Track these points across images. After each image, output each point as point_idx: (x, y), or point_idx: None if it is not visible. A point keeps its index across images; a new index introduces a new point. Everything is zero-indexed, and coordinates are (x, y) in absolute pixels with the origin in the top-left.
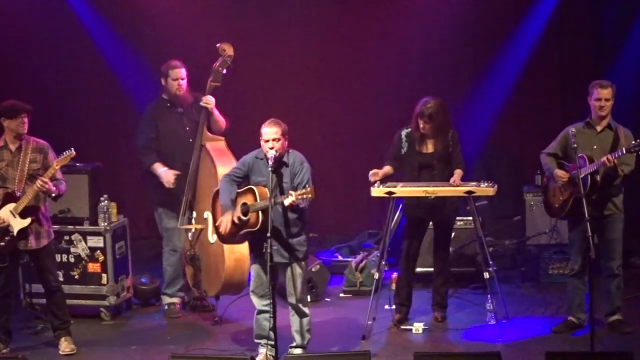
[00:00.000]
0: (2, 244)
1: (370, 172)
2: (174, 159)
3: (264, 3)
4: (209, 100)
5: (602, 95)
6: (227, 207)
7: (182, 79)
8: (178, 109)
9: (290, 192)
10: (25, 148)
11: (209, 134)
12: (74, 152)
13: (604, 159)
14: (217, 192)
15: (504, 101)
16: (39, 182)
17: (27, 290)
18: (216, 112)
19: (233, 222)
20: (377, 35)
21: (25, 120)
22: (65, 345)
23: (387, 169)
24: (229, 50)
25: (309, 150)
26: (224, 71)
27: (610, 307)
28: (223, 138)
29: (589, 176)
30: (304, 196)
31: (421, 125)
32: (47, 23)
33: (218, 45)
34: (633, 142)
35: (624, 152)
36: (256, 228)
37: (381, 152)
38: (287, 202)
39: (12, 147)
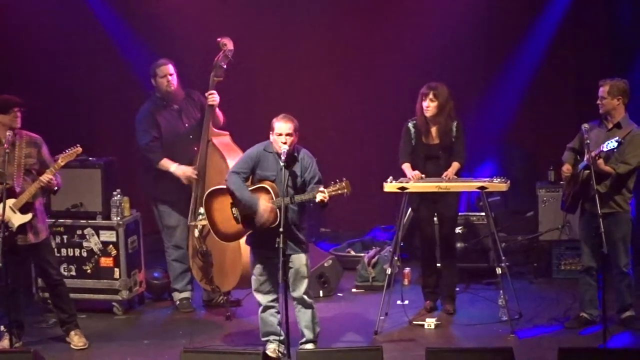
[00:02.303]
0: None
1: (414, 175)
2: (176, 156)
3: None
4: (215, 97)
5: (599, 93)
6: (253, 200)
7: (171, 75)
8: (174, 105)
9: (322, 188)
10: (20, 143)
11: (214, 129)
12: (80, 149)
13: (589, 155)
14: (210, 193)
15: (519, 97)
16: (45, 178)
17: (39, 285)
18: (216, 108)
19: (251, 218)
20: (391, 30)
21: (19, 114)
22: (77, 340)
23: (409, 166)
24: (229, 44)
25: (321, 145)
26: (225, 65)
27: (621, 304)
28: (227, 133)
29: (582, 172)
30: (339, 191)
31: (426, 105)
32: (63, 20)
33: (219, 39)
34: (608, 141)
35: (602, 149)
36: (275, 224)
37: (394, 147)
38: (319, 197)
39: (6, 143)
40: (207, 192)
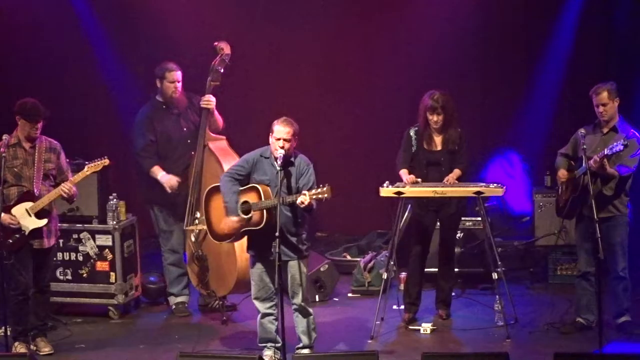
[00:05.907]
0: (10, 241)
1: (409, 179)
2: (174, 160)
3: (273, 4)
4: (210, 100)
5: (598, 102)
6: (233, 212)
7: (179, 82)
8: (174, 110)
9: (305, 192)
10: (39, 147)
11: (210, 133)
12: (107, 161)
13: (592, 160)
14: (211, 189)
15: (515, 103)
16: (65, 187)
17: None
18: (215, 112)
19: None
20: (387, 36)
21: (40, 125)
22: (43, 345)
23: (406, 172)
24: (226, 48)
25: (318, 150)
26: (222, 69)
27: (618, 309)
28: (224, 137)
29: (582, 177)
30: (320, 196)
31: (434, 119)
32: (59, 24)
33: (215, 44)
34: (614, 144)
35: (606, 152)
36: (260, 227)
37: (390, 153)
38: (299, 200)
39: (26, 146)
40: (207, 189)
